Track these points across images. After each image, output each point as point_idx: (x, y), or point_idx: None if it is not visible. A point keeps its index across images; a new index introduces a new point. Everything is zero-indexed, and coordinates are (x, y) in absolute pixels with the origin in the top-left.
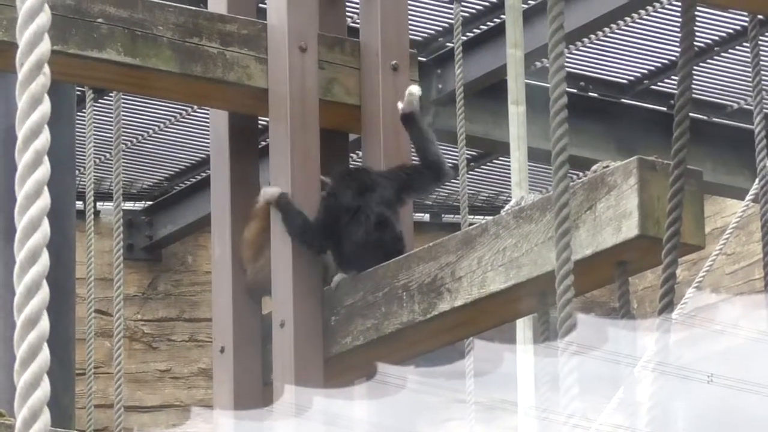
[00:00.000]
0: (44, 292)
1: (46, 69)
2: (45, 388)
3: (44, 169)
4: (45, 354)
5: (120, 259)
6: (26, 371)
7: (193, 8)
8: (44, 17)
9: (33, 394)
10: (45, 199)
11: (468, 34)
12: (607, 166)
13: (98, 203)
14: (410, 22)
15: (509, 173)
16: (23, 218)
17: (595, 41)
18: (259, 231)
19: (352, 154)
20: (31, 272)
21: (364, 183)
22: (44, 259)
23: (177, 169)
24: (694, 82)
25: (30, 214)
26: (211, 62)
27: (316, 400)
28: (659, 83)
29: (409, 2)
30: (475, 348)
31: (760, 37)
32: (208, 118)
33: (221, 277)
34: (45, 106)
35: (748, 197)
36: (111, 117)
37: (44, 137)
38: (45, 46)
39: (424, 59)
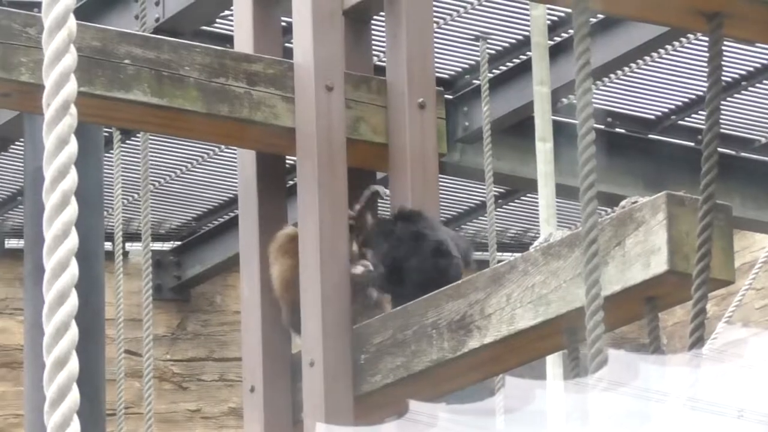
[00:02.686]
0: (73, 333)
1: (73, 110)
2: (75, 428)
3: (72, 210)
4: (75, 394)
5: (149, 300)
6: (56, 412)
7: (219, 48)
8: (70, 58)
9: None
10: (73, 240)
11: (494, 71)
12: (636, 202)
13: (127, 244)
14: (436, 60)
15: (537, 210)
16: (51, 259)
17: (622, 77)
18: (293, 267)
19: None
20: (60, 313)
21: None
22: (73, 300)
23: (205, 209)
24: (722, 116)
25: (58, 255)
26: (237, 102)
27: None
28: (687, 118)
29: (435, 40)
30: (505, 385)
31: None
32: (235, 158)
33: (250, 317)
34: (72, 147)
35: None
36: (138, 158)
37: (71, 178)
38: (71, 86)
39: (451, 97)
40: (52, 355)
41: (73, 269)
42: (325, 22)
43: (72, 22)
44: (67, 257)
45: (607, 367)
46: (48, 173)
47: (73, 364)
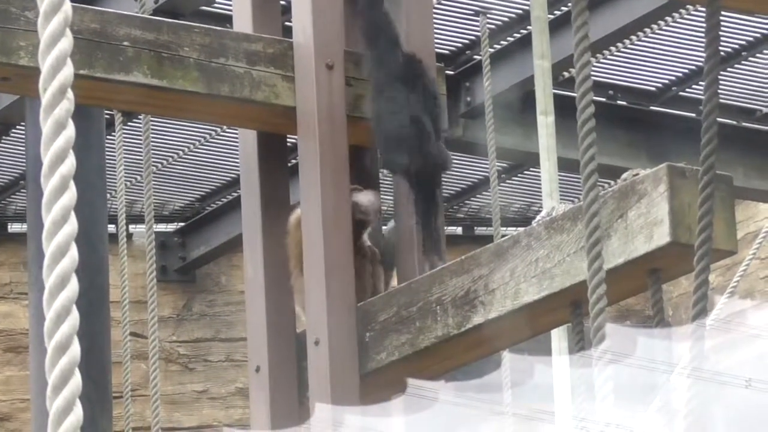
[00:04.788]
0: (74, 318)
1: (70, 94)
2: (78, 413)
3: (71, 195)
4: (77, 379)
5: (153, 281)
6: (58, 397)
7: (219, 28)
8: (66, 42)
9: (66, 419)
10: (72, 225)
11: (495, 46)
12: (637, 174)
13: (131, 226)
14: (436, 35)
15: (540, 184)
16: (51, 244)
17: (623, 50)
18: (301, 245)
19: (382, 170)
20: (61, 298)
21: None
22: (73, 285)
23: (208, 190)
24: (723, 87)
25: (58, 240)
26: (237, 82)
27: (352, 417)
28: (688, 90)
29: (435, 16)
30: (511, 359)
31: None
32: (237, 138)
33: (254, 297)
34: (69, 131)
35: None
36: (141, 140)
37: (69, 162)
38: (68, 70)
39: (452, 72)
40: (54, 341)
41: (73, 254)
42: (324, 0)
43: (68, 6)
44: (67, 242)
45: (612, 340)
46: (46, 158)
47: (75, 349)
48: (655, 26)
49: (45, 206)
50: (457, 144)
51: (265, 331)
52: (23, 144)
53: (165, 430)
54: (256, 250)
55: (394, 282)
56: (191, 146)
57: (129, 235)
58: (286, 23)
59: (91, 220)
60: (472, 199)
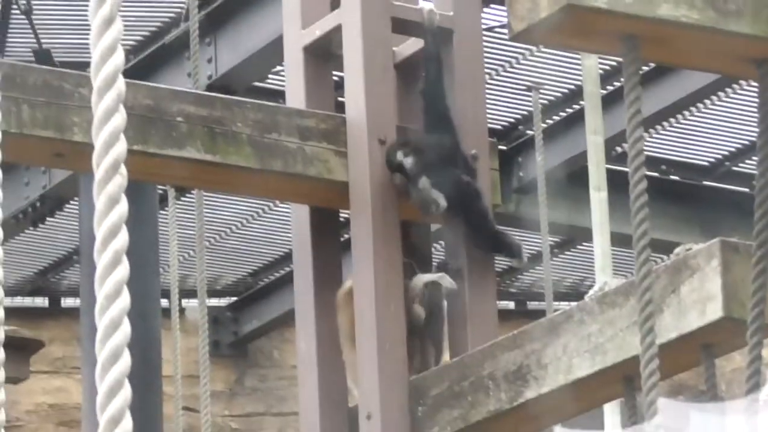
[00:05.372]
0: (126, 391)
1: (123, 169)
2: None
3: (124, 269)
4: None
5: (206, 356)
6: None
7: (272, 104)
8: (119, 117)
9: None
10: (125, 299)
11: (547, 121)
12: (690, 249)
13: (183, 300)
14: (489, 110)
15: (593, 259)
16: (104, 318)
17: (675, 125)
18: (352, 319)
19: (435, 245)
20: (113, 372)
21: None
22: (126, 359)
23: (260, 265)
24: None
25: (111, 314)
26: (290, 157)
27: None
28: (740, 164)
29: (488, 91)
30: None
31: None
32: (289, 213)
33: (307, 371)
34: (122, 207)
35: None
36: (194, 215)
37: (123, 237)
38: (121, 146)
39: (505, 148)
40: (106, 414)
41: (126, 328)
42: (377, 76)
43: (121, 83)
44: (120, 316)
45: (665, 414)
46: (99, 233)
47: (127, 423)
48: (707, 101)
49: (98, 280)
50: (510, 219)
51: (318, 406)
52: (77, 219)
53: None
54: (309, 325)
55: (446, 357)
56: (244, 221)
57: (182, 310)
58: (339, 98)
59: (144, 295)
60: (525, 274)
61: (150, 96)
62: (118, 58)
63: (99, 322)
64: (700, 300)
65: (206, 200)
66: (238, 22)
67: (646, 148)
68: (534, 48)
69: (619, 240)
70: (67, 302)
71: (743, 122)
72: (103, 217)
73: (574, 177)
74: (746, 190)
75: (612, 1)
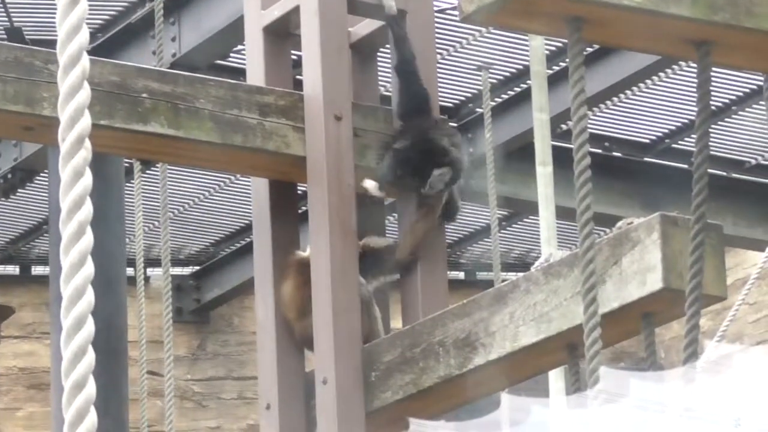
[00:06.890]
0: (90, 358)
1: (87, 143)
2: None
3: (87, 240)
4: (92, 417)
5: (170, 322)
6: None
7: (233, 81)
8: (84, 94)
9: None
10: (89, 268)
11: (496, 99)
12: (631, 223)
13: (148, 269)
14: (440, 89)
15: (539, 231)
16: (68, 287)
17: (618, 103)
18: (297, 287)
19: (388, 217)
20: (77, 338)
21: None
22: (89, 326)
23: (222, 235)
24: (714, 140)
25: (75, 283)
26: (250, 132)
27: None
28: (680, 142)
29: (440, 70)
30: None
31: None
32: (249, 186)
33: (265, 337)
34: (87, 179)
35: None
36: (158, 187)
37: (87, 209)
38: (86, 121)
39: (455, 125)
40: (70, 379)
41: (89, 296)
42: (333, 55)
43: (85, 60)
44: (84, 285)
45: (606, 381)
46: (64, 204)
47: (91, 388)
48: (649, 81)
49: (63, 250)
50: (460, 192)
51: (276, 371)
52: (46, 190)
53: None
54: (267, 293)
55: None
56: (206, 193)
57: (146, 278)
58: (297, 77)
59: (111, 264)
60: (474, 245)
61: (116, 73)
62: (83, 37)
63: (64, 291)
64: (640, 271)
65: (170, 173)
66: (200, 3)
67: (589, 125)
68: (483, 29)
69: (564, 213)
70: (37, 270)
71: (683, 101)
72: (68, 189)
73: (521, 153)
74: (685, 166)
75: None
